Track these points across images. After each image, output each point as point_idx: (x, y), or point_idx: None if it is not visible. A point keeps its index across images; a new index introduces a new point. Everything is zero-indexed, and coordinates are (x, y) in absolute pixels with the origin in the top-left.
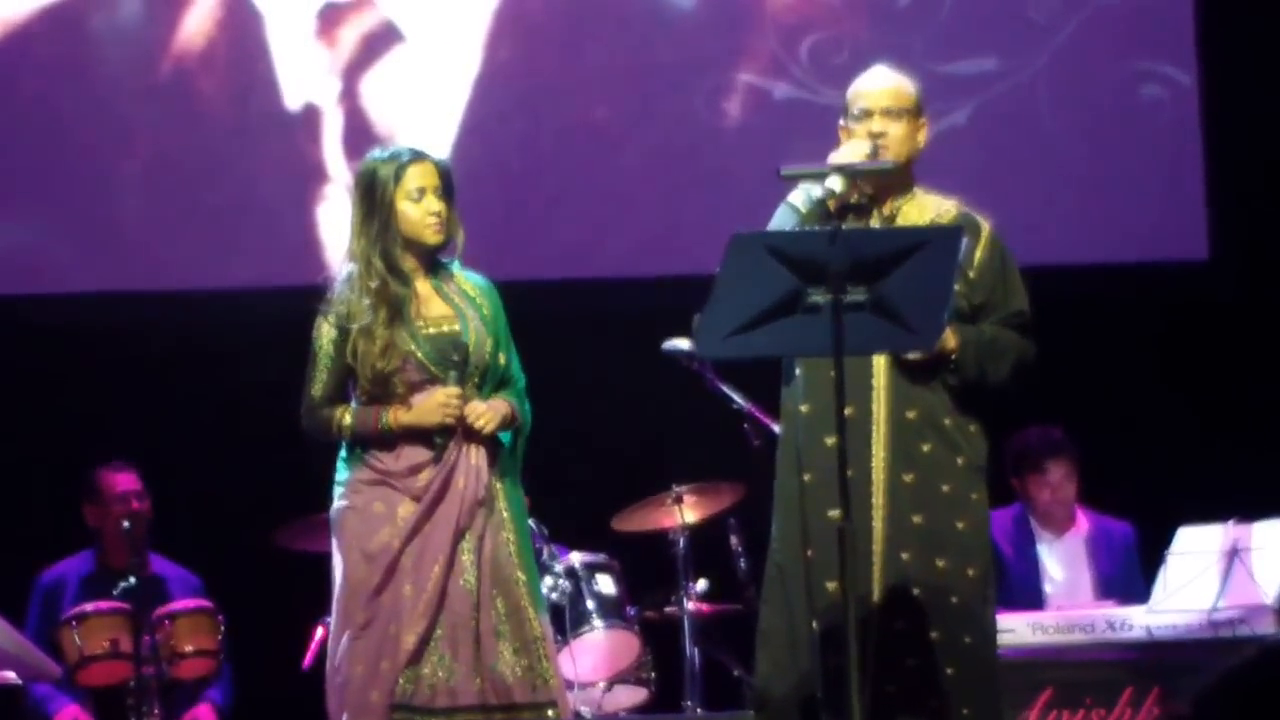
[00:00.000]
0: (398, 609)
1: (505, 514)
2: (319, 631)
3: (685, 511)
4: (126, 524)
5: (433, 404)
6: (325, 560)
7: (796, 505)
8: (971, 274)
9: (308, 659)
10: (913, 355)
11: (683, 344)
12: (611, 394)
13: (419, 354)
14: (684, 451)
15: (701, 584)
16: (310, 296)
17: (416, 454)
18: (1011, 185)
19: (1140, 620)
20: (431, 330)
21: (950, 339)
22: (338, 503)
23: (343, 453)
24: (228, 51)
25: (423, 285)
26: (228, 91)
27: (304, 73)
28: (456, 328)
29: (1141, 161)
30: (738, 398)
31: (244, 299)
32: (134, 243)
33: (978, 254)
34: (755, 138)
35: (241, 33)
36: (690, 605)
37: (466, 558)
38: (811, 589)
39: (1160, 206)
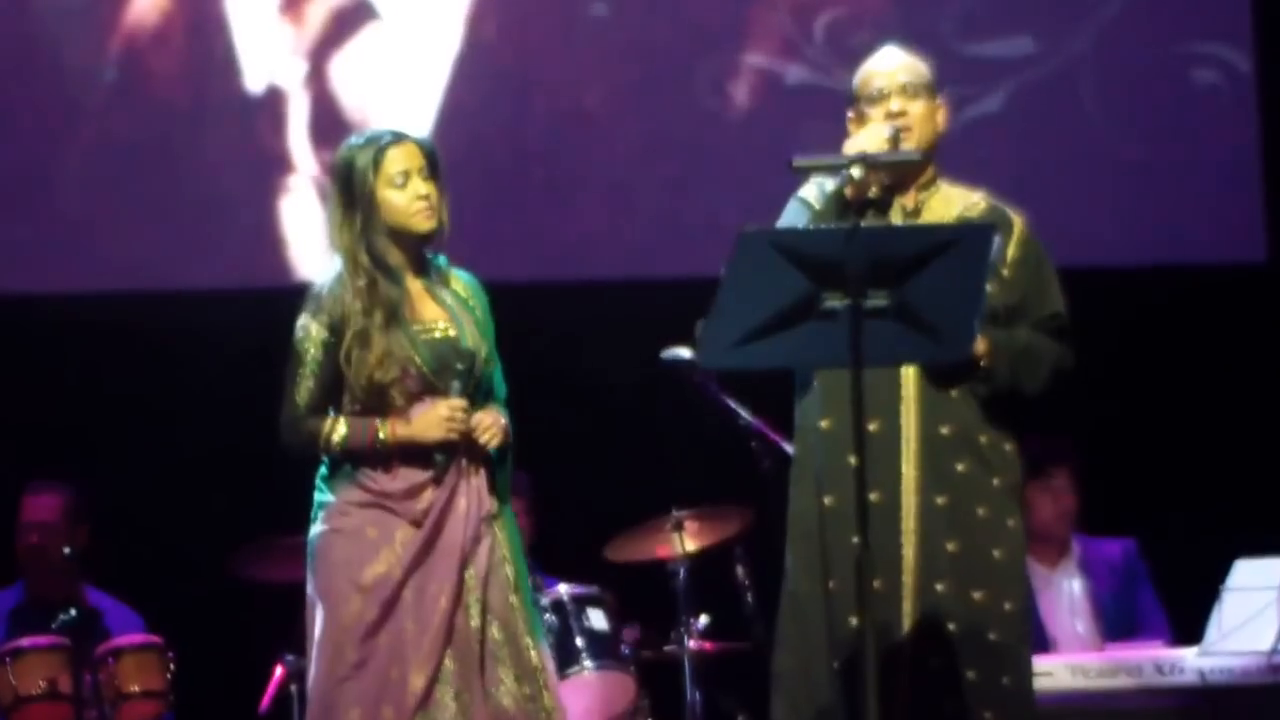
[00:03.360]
0: (399, 648)
1: (501, 536)
2: (278, 670)
3: (686, 539)
4: (68, 550)
5: (435, 418)
6: (286, 590)
7: (815, 532)
8: (1005, 272)
9: (265, 700)
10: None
11: (684, 353)
12: (605, 409)
13: (418, 361)
14: (685, 473)
15: (704, 620)
16: (271, 299)
17: (415, 473)
18: (1048, 178)
19: (1192, 663)
20: (426, 335)
21: (981, 343)
22: (320, 526)
23: (323, 470)
24: (183, 28)
25: (413, 283)
26: (183, 73)
27: (267, 52)
28: (453, 332)
29: (1193, 154)
30: (745, 413)
31: (197, 301)
32: (76, 239)
33: (1010, 251)
34: (764, 126)
35: (198, 8)
36: (691, 643)
37: (471, 585)
38: (833, 624)
39: (1214, 203)
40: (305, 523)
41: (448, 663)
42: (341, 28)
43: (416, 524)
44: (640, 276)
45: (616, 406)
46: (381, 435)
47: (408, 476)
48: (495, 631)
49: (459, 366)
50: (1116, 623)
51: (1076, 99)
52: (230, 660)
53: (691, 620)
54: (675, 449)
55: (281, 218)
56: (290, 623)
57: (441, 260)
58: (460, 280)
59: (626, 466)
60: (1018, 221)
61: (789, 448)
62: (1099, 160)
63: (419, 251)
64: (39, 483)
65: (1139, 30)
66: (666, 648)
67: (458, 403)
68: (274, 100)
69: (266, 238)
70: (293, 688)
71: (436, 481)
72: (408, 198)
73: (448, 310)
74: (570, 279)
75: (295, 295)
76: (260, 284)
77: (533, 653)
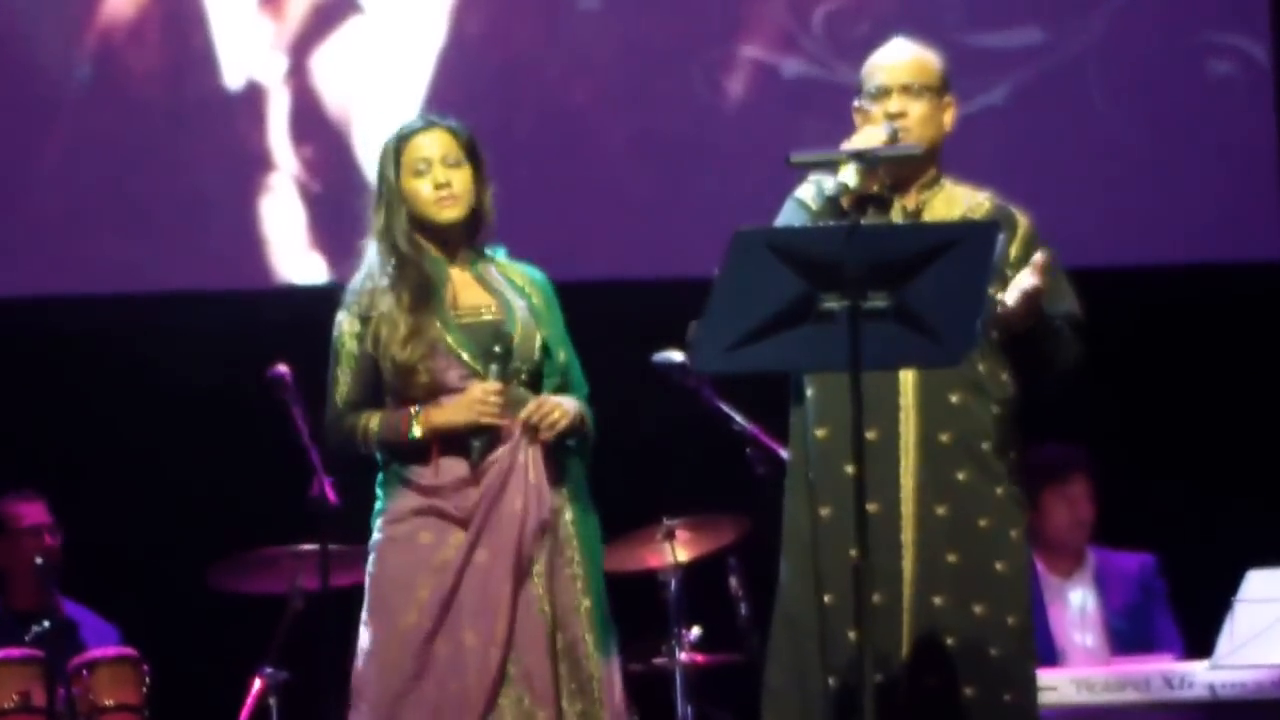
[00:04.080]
0: (459, 661)
1: (572, 532)
2: (256, 683)
3: (677, 549)
4: (40, 560)
5: (466, 400)
6: (265, 602)
7: (810, 543)
8: (1010, 273)
9: (243, 715)
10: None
11: (676, 357)
12: (594, 413)
13: (450, 342)
14: (677, 480)
15: (695, 632)
16: (253, 302)
17: (463, 467)
18: (1056, 175)
19: (1203, 677)
20: (467, 319)
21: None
22: (376, 535)
23: (379, 476)
24: (160, 23)
25: (460, 273)
26: (159, 69)
27: (247, 48)
28: (499, 317)
29: (1208, 148)
30: (739, 418)
31: (174, 305)
32: (50, 240)
33: (1014, 251)
34: (761, 121)
35: (175, 2)
36: (683, 656)
37: (538, 589)
38: (828, 639)
39: (1229, 199)
40: (287, 534)
41: (511, 671)
42: (323, 22)
43: (468, 522)
44: (631, 277)
45: (606, 411)
46: (414, 421)
47: (455, 470)
48: (559, 638)
49: (497, 349)
50: (1128, 640)
51: (1085, 91)
52: (207, 673)
53: (683, 632)
54: (667, 455)
55: (262, 218)
56: (269, 634)
57: (500, 252)
58: (517, 270)
59: (616, 473)
60: (1023, 221)
61: (785, 454)
62: (1109, 155)
63: (460, 241)
64: (21, 490)
65: (1150, 19)
66: (657, 660)
67: (492, 385)
68: (254, 97)
69: (247, 239)
70: (271, 701)
71: (473, 466)
72: (428, 186)
73: (496, 297)
74: (559, 279)
75: (277, 298)
76: (241, 286)
77: (590, 662)
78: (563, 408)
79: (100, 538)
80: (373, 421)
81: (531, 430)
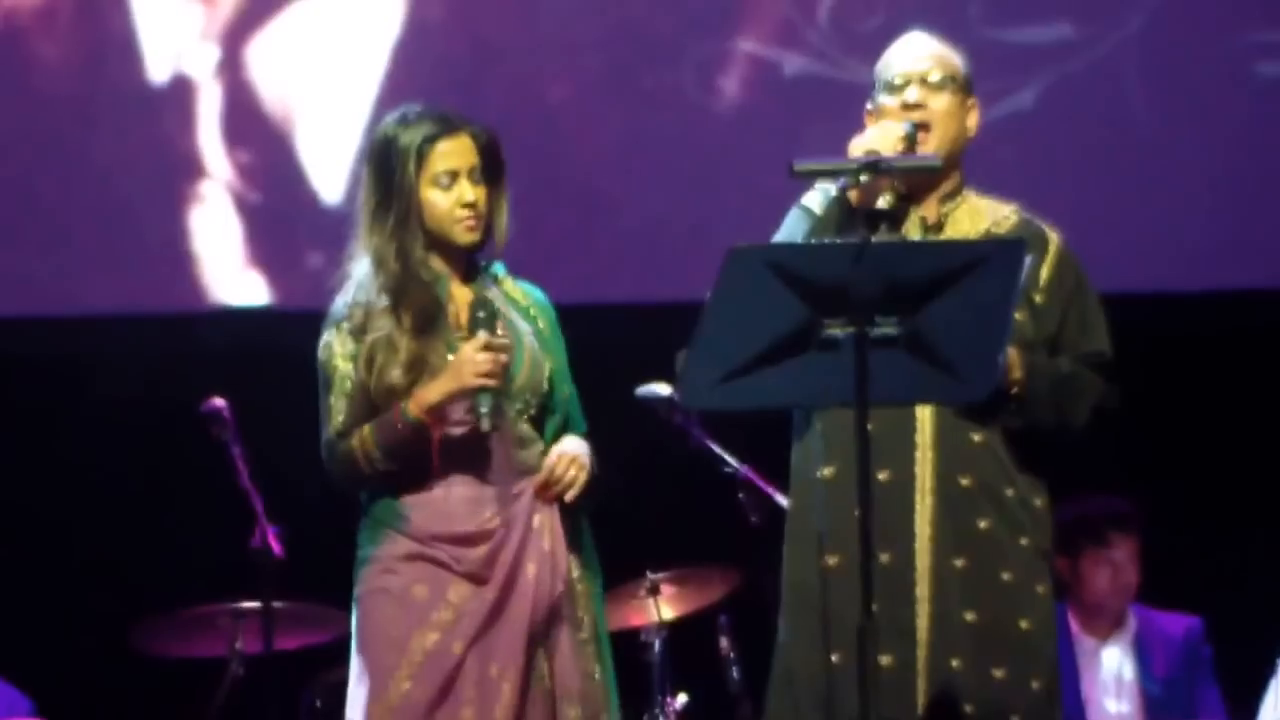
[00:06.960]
0: None
1: (580, 589)
2: None
3: (663, 606)
4: None
5: (455, 363)
6: (196, 667)
7: (816, 598)
8: (1037, 298)
9: None
10: None
11: (663, 390)
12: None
13: None
14: (662, 529)
15: (682, 699)
16: (180, 326)
17: (471, 515)
18: (1088, 185)
19: None
20: None
21: (1015, 368)
22: (365, 585)
23: (365, 521)
24: (73, 5)
25: (460, 290)
26: (73, 59)
27: (173, 35)
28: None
29: (1255, 157)
30: (732, 460)
31: (91, 330)
32: None
33: (1044, 274)
34: (760, 123)
35: None
36: None
37: (542, 665)
38: (834, 705)
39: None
40: (224, 589)
41: None
42: (261, 7)
43: (473, 580)
44: (612, 300)
45: None
46: (406, 413)
47: (461, 519)
48: (570, 711)
49: (481, 314)
50: (1167, 709)
51: (1122, 93)
52: None
53: (668, 699)
54: (651, 501)
55: (192, 231)
56: (204, 704)
57: (498, 268)
58: (521, 291)
59: (594, 521)
60: (1054, 239)
61: (783, 500)
62: (1146, 165)
63: (467, 259)
64: None
65: (1194, 15)
66: None
67: (480, 339)
68: (181, 91)
69: (175, 255)
70: None
71: (486, 431)
72: (451, 202)
73: (501, 319)
74: None
75: (211, 323)
76: (169, 309)
77: None
78: (579, 461)
79: (10, 594)
80: (366, 432)
81: (547, 491)
